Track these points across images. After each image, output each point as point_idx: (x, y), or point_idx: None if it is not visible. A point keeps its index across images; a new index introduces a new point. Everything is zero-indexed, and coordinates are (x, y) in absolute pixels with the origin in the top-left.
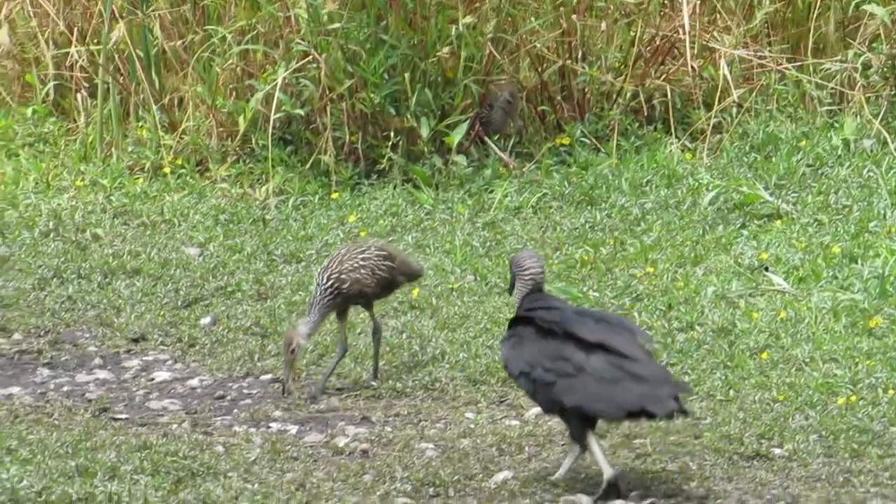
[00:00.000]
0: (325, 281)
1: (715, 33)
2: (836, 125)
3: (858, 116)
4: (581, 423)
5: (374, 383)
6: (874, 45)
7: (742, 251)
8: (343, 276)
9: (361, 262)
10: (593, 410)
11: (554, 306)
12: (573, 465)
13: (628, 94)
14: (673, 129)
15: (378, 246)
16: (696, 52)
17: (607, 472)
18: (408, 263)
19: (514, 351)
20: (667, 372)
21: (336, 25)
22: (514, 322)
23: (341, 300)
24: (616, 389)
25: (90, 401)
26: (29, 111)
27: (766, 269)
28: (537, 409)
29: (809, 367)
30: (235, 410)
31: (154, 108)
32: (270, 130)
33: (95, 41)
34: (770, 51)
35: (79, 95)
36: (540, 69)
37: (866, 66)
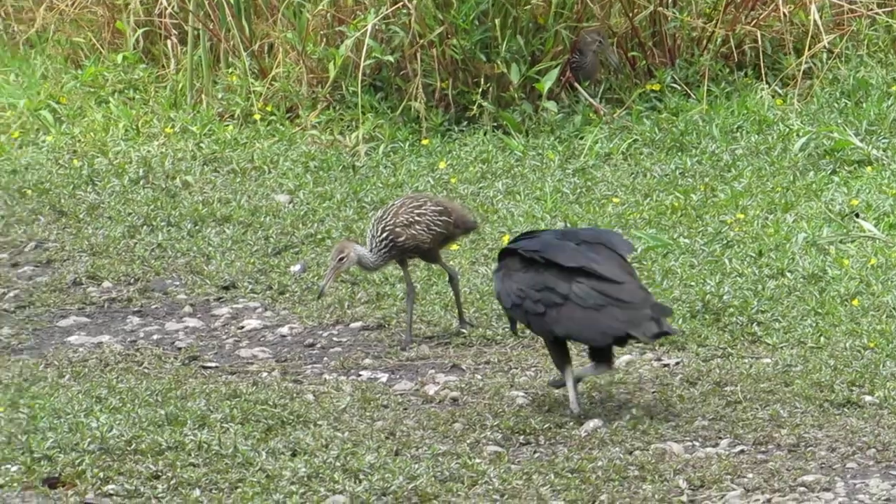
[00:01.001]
0: (379, 233)
1: None
2: None
3: None
4: (563, 351)
5: (463, 330)
6: None
7: (832, 197)
8: (398, 230)
9: (416, 218)
10: (581, 339)
11: (535, 234)
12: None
13: (719, 40)
14: (763, 75)
15: (434, 201)
16: None
17: (574, 408)
18: (464, 217)
19: (504, 283)
20: (648, 293)
21: None
22: (503, 255)
23: (396, 252)
24: (601, 316)
25: (180, 349)
26: (119, 58)
27: (857, 215)
28: (628, 357)
29: None
30: (325, 358)
31: (244, 54)
32: (360, 77)
33: None
34: None
35: (169, 42)
36: (631, 15)
37: None
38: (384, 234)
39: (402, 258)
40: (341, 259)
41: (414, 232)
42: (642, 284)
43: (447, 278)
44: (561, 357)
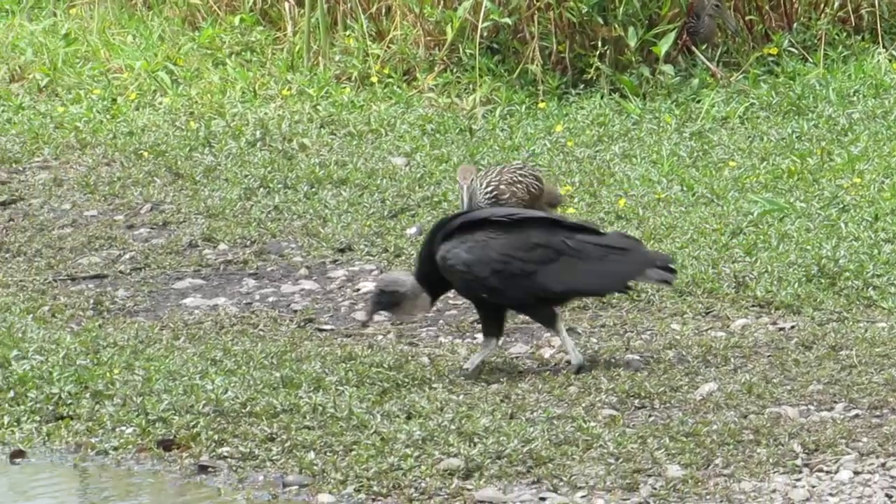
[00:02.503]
0: (485, 186)
1: None
2: None
3: None
4: (551, 310)
5: None
6: None
7: None
8: (502, 187)
9: (519, 178)
10: (588, 291)
11: (469, 213)
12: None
13: (836, 4)
14: (881, 39)
15: (531, 167)
16: None
17: (576, 359)
18: (553, 191)
19: (475, 253)
20: (635, 239)
21: None
22: (461, 228)
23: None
24: (606, 265)
25: (295, 311)
26: (236, 20)
27: None
28: (743, 321)
29: None
30: (441, 321)
31: (362, 16)
32: (478, 39)
33: None
34: None
35: (286, 4)
36: None
37: None
38: (490, 188)
39: None
40: (472, 180)
41: (515, 190)
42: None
43: None
44: (551, 315)
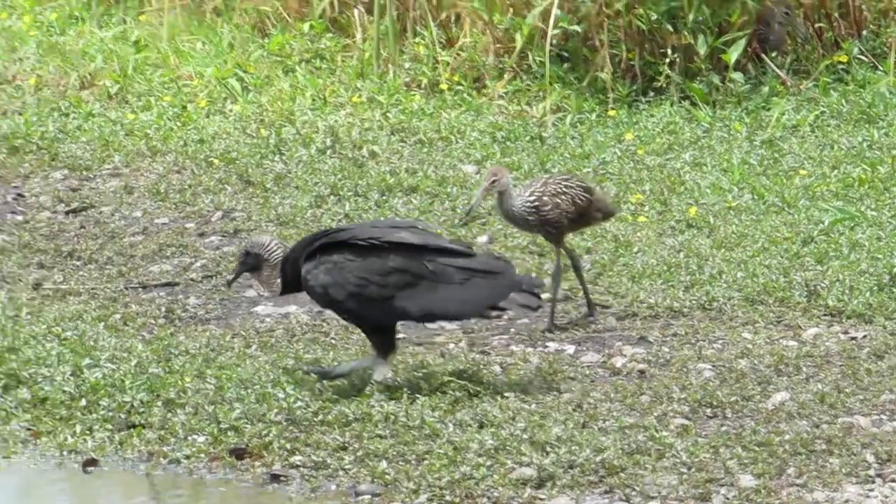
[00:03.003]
0: (528, 195)
1: None
2: None
3: None
4: (390, 334)
5: (590, 318)
6: None
7: None
8: (545, 199)
9: (565, 189)
10: (448, 315)
11: (341, 228)
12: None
13: None
14: None
15: (580, 178)
16: None
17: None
18: (605, 201)
19: (334, 276)
20: (506, 261)
21: None
22: (319, 251)
23: (535, 220)
24: (467, 289)
25: None
26: (306, 27)
27: None
28: (815, 330)
29: None
30: (513, 330)
31: (431, 24)
32: (548, 47)
33: None
34: None
35: (356, 11)
36: None
37: None
38: (532, 198)
39: (541, 232)
40: (493, 182)
41: (559, 202)
42: (502, 256)
43: (570, 264)
44: (389, 343)
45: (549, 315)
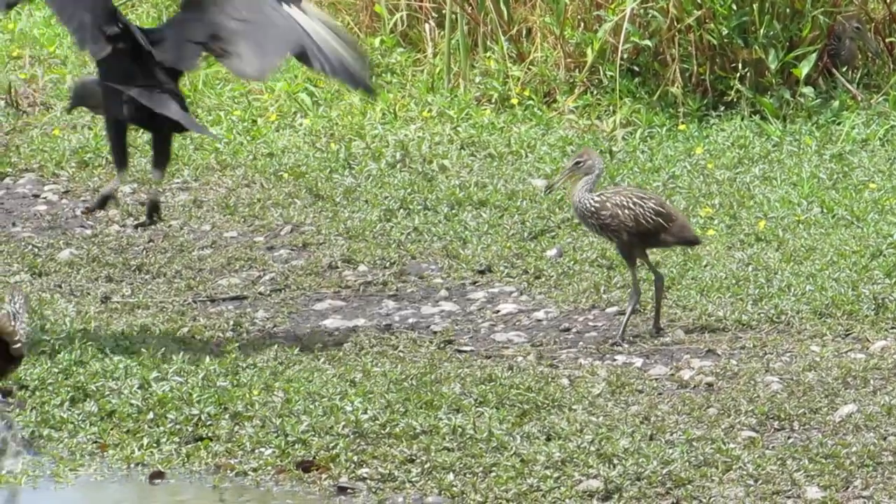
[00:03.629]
0: (597, 195)
1: None
2: None
3: None
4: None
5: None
6: None
7: None
8: (608, 204)
9: (632, 204)
10: None
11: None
12: None
13: None
14: None
15: (660, 203)
16: None
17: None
18: (683, 229)
19: None
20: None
21: None
22: None
23: (594, 222)
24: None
25: (435, 333)
26: (377, 41)
27: None
28: (883, 342)
29: None
30: (581, 343)
31: (502, 38)
32: (618, 61)
33: None
34: None
35: (427, 25)
36: (889, 1)
37: None
38: (597, 200)
39: (605, 238)
40: (578, 163)
41: (619, 213)
42: None
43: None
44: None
45: (622, 328)
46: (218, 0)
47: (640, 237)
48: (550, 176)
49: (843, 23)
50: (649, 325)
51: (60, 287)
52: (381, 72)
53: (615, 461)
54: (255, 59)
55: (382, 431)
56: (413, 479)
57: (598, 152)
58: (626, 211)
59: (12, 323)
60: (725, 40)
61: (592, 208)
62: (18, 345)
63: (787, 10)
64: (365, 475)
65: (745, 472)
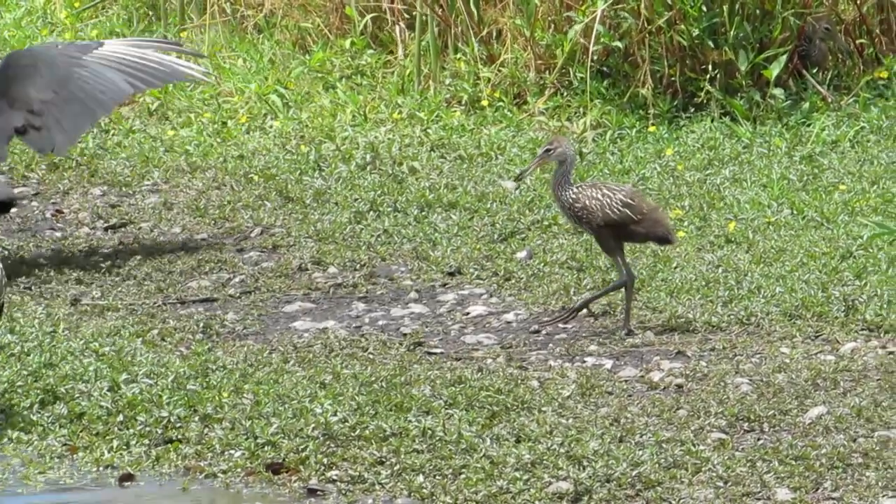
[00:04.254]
0: (576, 186)
1: None
2: None
3: None
4: None
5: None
6: None
7: None
8: (582, 195)
9: (601, 195)
10: None
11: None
12: None
13: None
14: None
15: (629, 193)
16: None
17: None
18: (656, 225)
19: None
20: None
21: None
22: None
23: (567, 212)
24: None
25: (405, 335)
26: (347, 43)
27: None
28: (853, 344)
29: None
30: (551, 345)
31: (473, 40)
32: (589, 63)
33: None
34: None
35: (397, 27)
36: (858, 2)
37: None
38: (573, 189)
39: (588, 231)
40: (548, 150)
41: (588, 203)
42: None
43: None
44: None
45: (625, 319)
46: (19, 80)
47: (610, 229)
48: (521, 178)
49: (814, 24)
50: (618, 326)
51: (30, 289)
52: (352, 73)
53: (585, 463)
54: (59, 134)
55: (352, 434)
56: (383, 481)
57: (568, 140)
58: (595, 202)
59: None
60: (696, 42)
61: (569, 200)
62: None
63: (758, 12)
64: (335, 477)
65: (714, 474)
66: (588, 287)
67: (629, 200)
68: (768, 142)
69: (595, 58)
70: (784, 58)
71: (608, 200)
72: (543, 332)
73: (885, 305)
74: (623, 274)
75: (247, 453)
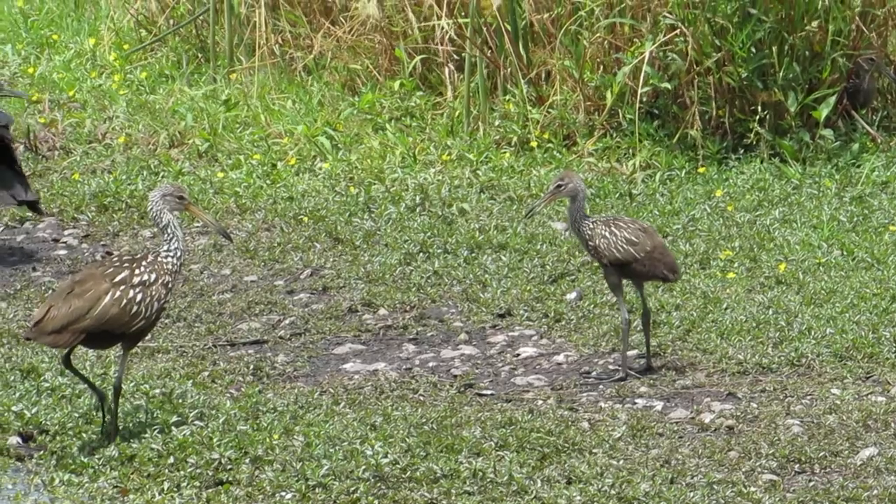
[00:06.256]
0: (594, 218)
1: None
2: None
3: None
4: None
5: (631, 373)
6: None
7: None
8: (597, 231)
9: (608, 233)
10: None
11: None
12: None
13: None
14: None
15: (637, 232)
16: None
17: None
18: (656, 264)
19: None
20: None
21: None
22: None
23: (587, 247)
24: None
25: (455, 376)
26: (396, 85)
27: None
28: None
29: None
30: (601, 386)
31: (521, 81)
32: (637, 104)
33: (463, 14)
34: None
35: (446, 69)
36: None
37: None
38: (589, 221)
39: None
40: (559, 186)
41: (598, 242)
42: None
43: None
44: None
45: (622, 363)
46: None
47: (614, 267)
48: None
49: (863, 63)
50: (669, 368)
51: None
52: (401, 115)
53: None
54: None
55: (403, 475)
56: None
57: (578, 175)
58: (603, 241)
59: None
60: (745, 83)
61: (586, 232)
62: None
63: (807, 53)
64: None
65: None
66: (638, 329)
67: (633, 238)
68: (818, 182)
69: (644, 99)
70: (833, 99)
71: (613, 239)
72: (593, 373)
73: None
74: (623, 314)
75: (298, 495)
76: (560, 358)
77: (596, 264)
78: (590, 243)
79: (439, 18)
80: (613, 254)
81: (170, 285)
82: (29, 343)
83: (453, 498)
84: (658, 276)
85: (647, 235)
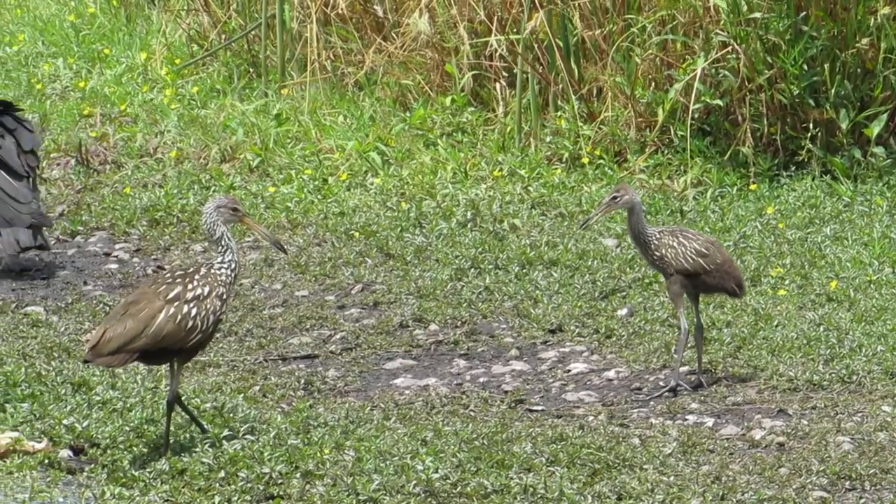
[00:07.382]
0: (657, 230)
1: None
2: None
3: None
4: None
5: (681, 385)
6: None
7: None
8: (662, 241)
9: (676, 243)
10: None
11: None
12: None
13: None
14: None
15: (706, 246)
16: None
17: None
18: (725, 277)
19: None
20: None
21: (756, 16)
22: None
23: (649, 256)
24: None
25: (506, 392)
26: (447, 100)
27: None
28: None
29: None
30: (652, 402)
31: (573, 97)
32: (689, 121)
33: (515, 30)
34: None
35: (497, 85)
36: None
37: None
38: (654, 232)
39: (669, 283)
40: (615, 198)
41: (665, 252)
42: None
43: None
44: None
45: (676, 369)
46: None
47: (681, 277)
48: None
49: None
50: (720, 385)
51: None
52: (452, 131)
53: None
54: None
55: (454, 490)
56: None
57: (633, 188)
58: (671, 250)
59: None
60: (796, 100)
61: (648, 242)
62: None
63: (858, 70)
64: None
65: None
66: (689, 344)
67: (703, 251)
68: (869, 200)
69: (696, 116)
70: (885, 116)
71: (682, 249)
72: (644, 389)
73: None
74: (682, 324)
75: None
76: (611, 374)
77: (648, 280)
78: (655, 253)
79: (491, 34)
80: (682, 264)
81: (224, 297)
82: (87, 365)
83: None
84: (726, 290)
85: (716, 248)
